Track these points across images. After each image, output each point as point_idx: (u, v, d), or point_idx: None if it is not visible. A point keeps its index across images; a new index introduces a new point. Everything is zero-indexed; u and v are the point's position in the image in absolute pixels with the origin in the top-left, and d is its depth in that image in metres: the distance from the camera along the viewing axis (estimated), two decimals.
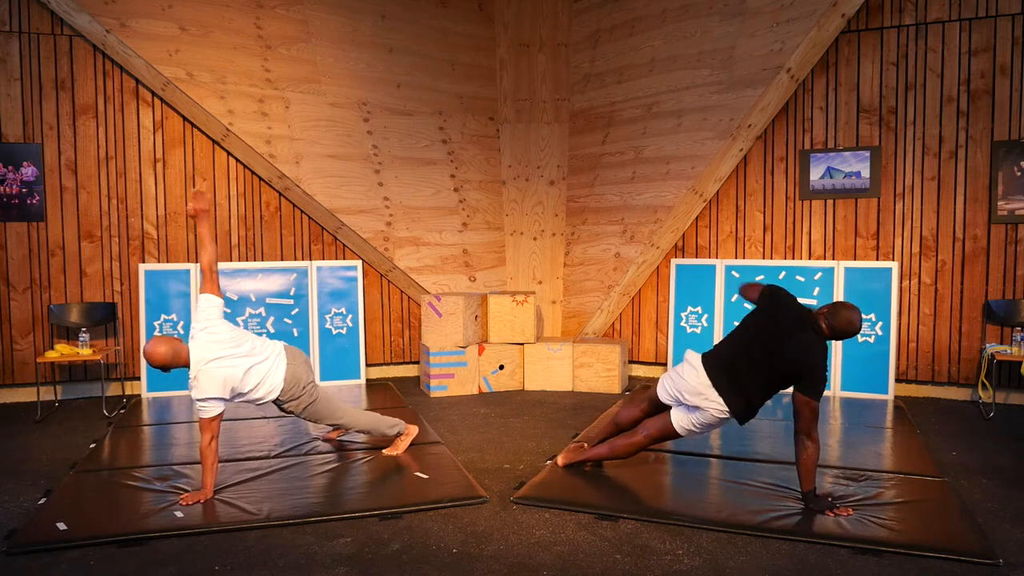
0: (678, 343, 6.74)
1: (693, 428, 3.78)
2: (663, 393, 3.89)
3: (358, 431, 4.45)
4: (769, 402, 5.82)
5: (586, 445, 4.31)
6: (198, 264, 6.34)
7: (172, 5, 6.12)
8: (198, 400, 3.73)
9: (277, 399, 4.06)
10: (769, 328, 3.63)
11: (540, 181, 7.52)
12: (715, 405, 3.66)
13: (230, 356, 3.79)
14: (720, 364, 3.69)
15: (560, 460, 4.24)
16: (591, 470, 4.19)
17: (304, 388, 4.10)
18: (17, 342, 6.15)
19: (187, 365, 3.72)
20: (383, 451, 4.52)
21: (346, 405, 4.46)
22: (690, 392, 3.72)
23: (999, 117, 5.82)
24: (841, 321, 3.52)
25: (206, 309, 3.83)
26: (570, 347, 6.59)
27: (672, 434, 3.86)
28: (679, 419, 3.80)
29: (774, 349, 3.55)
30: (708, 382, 3.67)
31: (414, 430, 4.63)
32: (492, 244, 7.45)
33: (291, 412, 4.17)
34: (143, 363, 6.24)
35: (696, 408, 3.73)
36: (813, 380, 3.44)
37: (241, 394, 3.89)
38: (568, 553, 3.15)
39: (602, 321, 7.20)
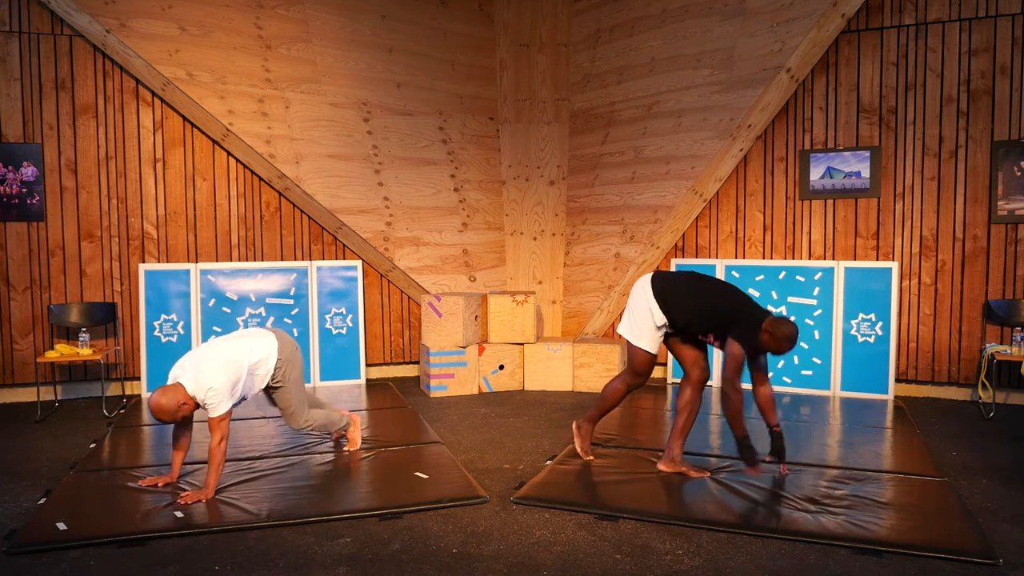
0: None
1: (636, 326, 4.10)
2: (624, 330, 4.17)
3: (310, 427, 4.33)
4: None
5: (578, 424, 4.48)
6: (197, 265, 6.40)
7: (172, 5, 6.12)
8: (208, 392, 3.70)
9: (276, 366, 4.07)
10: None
11: (540, 181, 7.52)
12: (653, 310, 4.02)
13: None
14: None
15: (583, 453, 4.37)
16: (595, 458, 4.35)
17: (294, 351, 4.17)
18: (17, 342, 6.15)
19: (195, 407, 3.76)
20: (345, 449, 4.55)
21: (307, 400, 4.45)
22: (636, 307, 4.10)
23: (999, 117, 5.82)
24: (782, 332, 3.70)
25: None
26: (570, 347, 6.58)
27: (635, 354, 4.10)
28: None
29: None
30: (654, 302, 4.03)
31: (357, 419, 4.65)
32: (492, 244, 7.45)
33: (279, 386, 4.15)
34: (143, 363, 6.24)
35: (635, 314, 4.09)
36: (741, 326, 3.75)
37: (245, 376, 3.90)
38: (568, 553, 3.15)
39: (602, 321, 7.19)
